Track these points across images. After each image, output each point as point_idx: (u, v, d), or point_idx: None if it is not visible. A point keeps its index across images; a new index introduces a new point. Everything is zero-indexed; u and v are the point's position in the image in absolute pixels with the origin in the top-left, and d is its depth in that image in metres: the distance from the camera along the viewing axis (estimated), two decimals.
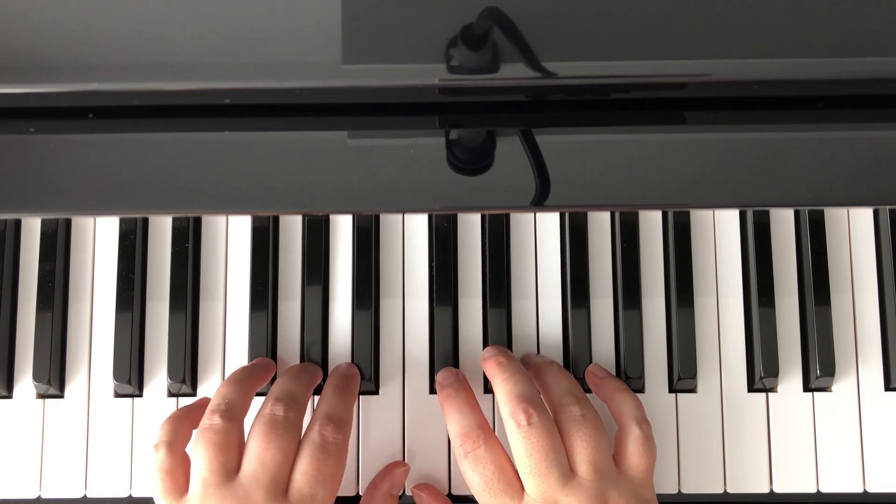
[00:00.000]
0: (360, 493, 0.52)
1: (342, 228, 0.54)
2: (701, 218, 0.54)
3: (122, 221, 0.54)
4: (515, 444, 0.46)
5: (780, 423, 0.53)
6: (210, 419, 0.46)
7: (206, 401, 0.49)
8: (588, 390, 0.52)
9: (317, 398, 0.52)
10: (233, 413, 0.46)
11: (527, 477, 0.45)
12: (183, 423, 0.47)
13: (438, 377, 0.51)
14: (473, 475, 0.46)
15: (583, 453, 0.46)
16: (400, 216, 0.54)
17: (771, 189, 0.47)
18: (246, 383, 0.48)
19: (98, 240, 0.54)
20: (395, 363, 0.53)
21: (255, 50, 0.45)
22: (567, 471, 0.45)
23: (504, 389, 0.48)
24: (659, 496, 0.49)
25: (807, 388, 0.53)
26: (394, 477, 0.51)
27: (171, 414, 0.48)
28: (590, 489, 0.45)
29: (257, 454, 0.45)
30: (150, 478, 0.46)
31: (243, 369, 0.50)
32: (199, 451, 0.45)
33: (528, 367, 0.51)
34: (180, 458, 0.46)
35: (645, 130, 0.48)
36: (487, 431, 0.48)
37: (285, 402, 0.46)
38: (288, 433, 0.45)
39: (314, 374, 0.51)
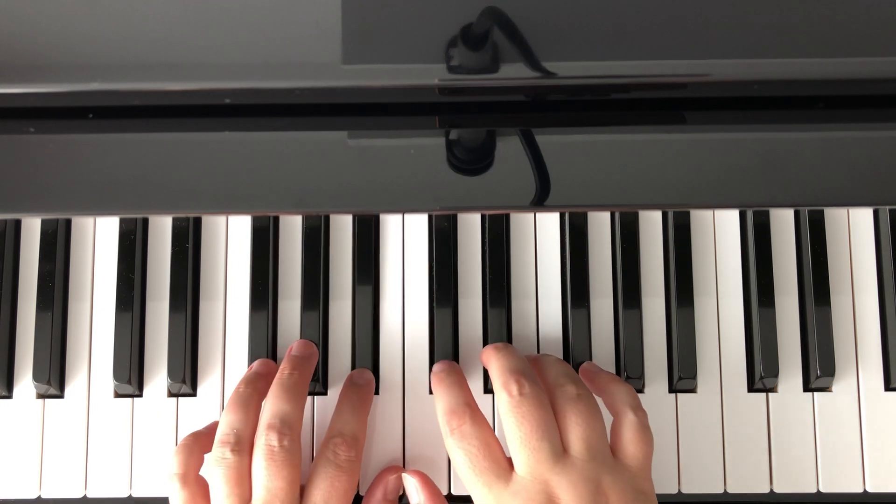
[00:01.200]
0: (360, 493, 0.52)
1: (342, 229, 0.54)
2: (701, 218, 0.54)
3: (122, 221, 0.54)
4: (505, 415, 0.45)
5: (780, 423, 0.52)
6: (222, 453, 0.46)
7: (214, 426, 0.49)
8: None
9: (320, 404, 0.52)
10: (241, 445, 0.47)
11: (516, 450, 0.44)
12: (193, 452, 0.48)
13: (434, 367, 0.51)
14: (458, 452, 0.45)
15: (576, 431, 0.45)
16: (400, 216, 0.54)
17: (771, 189, 0.47)
18: (251, 405, 0.48)
19: (98, 240, 0.54)
20: (395, 363, 0.53)
21: (255, 50, 0.45)
22: (559, 448, 0.44)
23: (497, 365, 0.47)
24: (659, 496, 0.48)
25: (807, 388, 0.53)
26: (387, 484, 0.50)
27: (181, 443, 0.49)
28: (582, 469, 0.43)
29: (265, 485, 0.45)
30: None
31: (246, 384, 0.50)
32: (216, 485, 0.46)
33: (528, 360, 0.51)
34: (196, 487, 0.47)
35: (645, 130, 0.48)
36: (474, 408, 0.47)
37: (278, 429, 0.46)
38: (287, 462, 0.45)
39: (305, 375, 0.50)
